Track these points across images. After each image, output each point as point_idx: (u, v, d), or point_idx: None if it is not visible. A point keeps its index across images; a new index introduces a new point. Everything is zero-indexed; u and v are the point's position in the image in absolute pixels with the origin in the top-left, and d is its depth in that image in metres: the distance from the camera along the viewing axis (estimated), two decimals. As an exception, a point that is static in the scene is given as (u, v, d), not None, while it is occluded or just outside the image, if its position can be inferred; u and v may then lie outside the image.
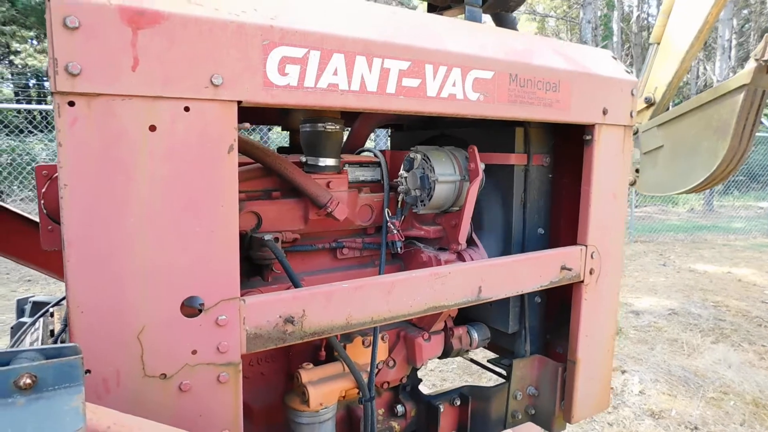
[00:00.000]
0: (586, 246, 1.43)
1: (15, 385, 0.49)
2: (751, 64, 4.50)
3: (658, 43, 5.22)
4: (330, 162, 1.26)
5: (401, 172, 1.35)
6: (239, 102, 0.84)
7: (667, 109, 5.44)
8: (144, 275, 0.81)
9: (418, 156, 1.30)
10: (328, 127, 1.23)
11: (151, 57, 0.76)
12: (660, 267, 7.98)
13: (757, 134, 5.36)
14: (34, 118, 10.22)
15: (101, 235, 0.77)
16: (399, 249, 1.35)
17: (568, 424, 1.57)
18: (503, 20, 1.53)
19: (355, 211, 1.33)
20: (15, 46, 16.24)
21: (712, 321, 5.45)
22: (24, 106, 12.18)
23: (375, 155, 1.42)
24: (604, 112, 1.38)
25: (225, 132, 0.84)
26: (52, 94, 0.72)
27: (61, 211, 0.75)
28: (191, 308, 0.86)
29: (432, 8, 1.55)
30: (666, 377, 4.16)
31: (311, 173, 1.25)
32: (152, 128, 0.78)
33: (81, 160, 0.74)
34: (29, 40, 16.48)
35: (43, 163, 1.22)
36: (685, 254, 8.98)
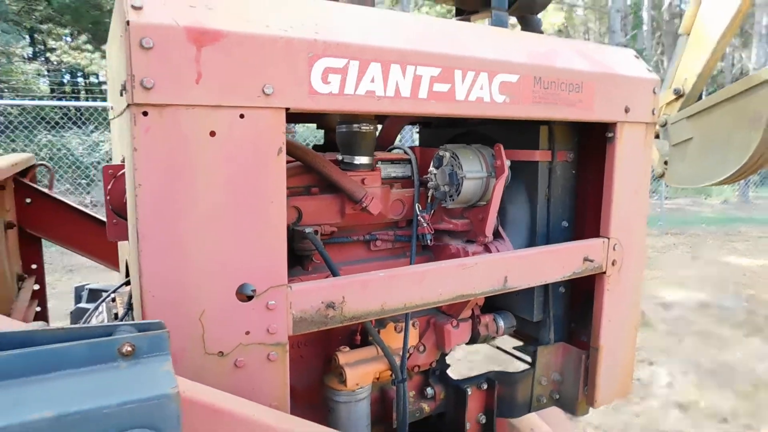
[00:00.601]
0: (609, 239, 1.49)
1: (118, 351, 0.60)
2: (785, 54, 4.37)
3: (688, 34, 5.12)
4: (364, 160, 1.36)
5: (431, 168, 1.43)
6: (287, 109, 0.94)
7: (699, 99, 5.35)
8: (204, 264, 0.92)
9: (447, 154, 1.38)
10: (362, 127, 1.32)
11: (211, 71, 0.86)
12: (691, 260, 7.85)
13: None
14: (70, 112, 10.65)
15: (169, 229, 0.88)
16: (429, 241, 1.43)
17: (591, 408, 1.64)
18: (528, 22, 1.59)
19: (388, 205, 1.42)
20: (51, 43, 16.82)
21: (745, 314, 5.38)
22: (64, 103, 12.68)
23: (406, 152, 1.51)
24: (626, 111, 1.43)
25: (275, 136, 0.94)
26: (128, 105, 0.83)
27: (135, 207, 0.86)
28: (244, 294, 0.97)
29: (460, 12, 1.62)
30: (695, 370, 4.15)
31: (347, 170, 1.34)
32: (212, 134, 0.88)
33: (153, 163, 0.85)
34: (64, 38, 17.03)
35: (108, 164, 1.34)
36: (718, 247, 8.80)
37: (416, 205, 1.44)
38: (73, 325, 0.61)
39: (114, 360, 0.60)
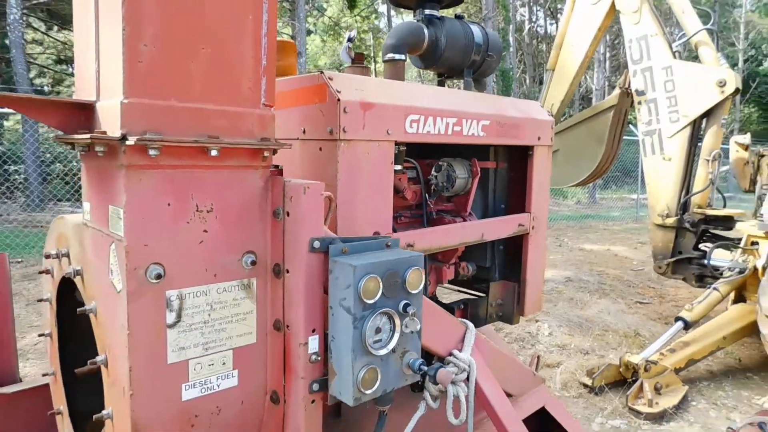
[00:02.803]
0: (530, 213, 2.55)
1: (385, 245, 1.47)
2: (616, 91, 6.05)
3: (553, 70, 6.61)
4: (398, 167, 2.26)
5: (433, 172, 2.37)
6: (395, 141, 1.83)
7: (561, 120, 6.94)
8: (361, 223, 1.77)
9: (445, 163, 2.33)
10: (400, 148, 2.23)
11: (368, 122, 1.72)
12: (557, 247, 9.65)
13: (627, 138, 7.04)
14: None
15: (352, 206, 1.72)
16: (433, 215, 2.37)
17: (521, 317, 2.69)
18: (481, 82, 2.61)
19: (411, 194, 2.34)
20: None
21: (597, 284, 7.04)
22: None
23: (413, 163, 2.43)
24: (539, 138, 2.50)
25: (390, 154, 1.82)
26: (335, 140, 1.66)
27: (336, 189, 1.69)
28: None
29: (440, 75, 2.59)
30: (567, 323, 5.55)
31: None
32: (368, 153, 1.74)
33: (345, 166, 1.69)
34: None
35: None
36: (576, 237, 10.81)
37: (424, 194, 2.37)
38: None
39: (382, 248, 1.47)
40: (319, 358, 1.41)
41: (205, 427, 1.39)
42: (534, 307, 2.70)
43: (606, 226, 12.73)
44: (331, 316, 1.36)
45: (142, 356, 1.24)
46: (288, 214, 1.38)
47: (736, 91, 4.94)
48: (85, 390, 1.90)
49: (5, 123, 17.78)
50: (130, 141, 1.12)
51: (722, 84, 4.91)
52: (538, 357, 2.94)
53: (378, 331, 1.35)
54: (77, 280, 1.53)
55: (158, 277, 1.23)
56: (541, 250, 2.68)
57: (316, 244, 1.36)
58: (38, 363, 4.44)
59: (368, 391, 1.33)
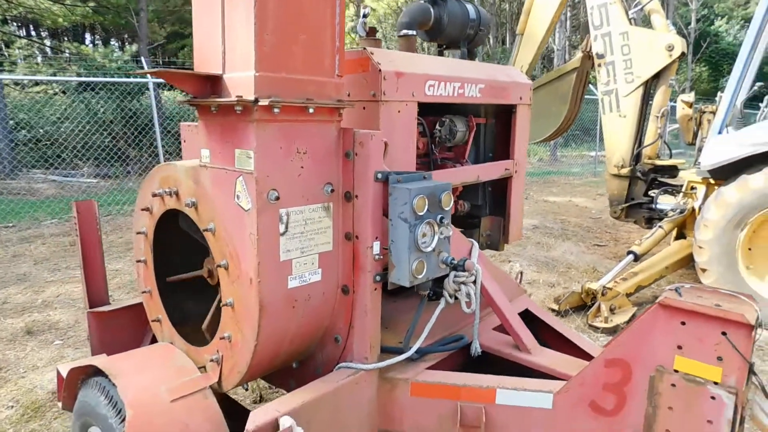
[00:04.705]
0: (514, 159, 3.14)
1: (422, 177, 2.03)
2: (579, 54, 6.66)
3: (522, 34, 7.14)
4: (412, 123, 2.79)
5: (437, 126, 2.91)
6: (417, 101, 2.36)
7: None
8: (394, 163, 2.31)
9: (447, 119, 2.88)
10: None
11: (400, 87, 2.24)
12: (525, 200, 10.42)
13: (586, 97, 7.77)
14: None
15: (388, 151, 2.25)
16: (438, 162, 2.93)
17: (506, 245, 3.33)
18: (472, 51, 3.14)
19: (421, 144, 2.89)
20: None
21: (560, 230, 7.83)
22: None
23: (420, 120, 2.97)
24: (520, 98, 3.07)
25: (414, 112, 2.35)
26: (377, 101, 2.18)
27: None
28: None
29: (440, 47, 3.10)
30: (535, 263, 6.30)
31: (405, 128, 2.77)
32: (399, 112, 2.27)
33: (385, 124, 2.21)
34: None
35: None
36: (540, 191, 11.63)
37: (431, 144, 2.93)
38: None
39: (423, 179, 2.03)
40: (381, 257, 1.98)
41: (300, 309, 1.95)
42: (515, 236, 3.34)
43: (567, 181, 13.65)
44: (391, 226, 1.92)
45: (266, 255, 1.78)
46: (357, 155, 1.92)
47: (682, 54, 5.62)
48: (177, 301, 2.43)
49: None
50: (264, 102, 1.63)
51: (670, 48, 5.58)
52: (521, 273, 3.60)
53: (424, 235, 1.92)
54: (190, 210, 2.03)
55: (276, 198, 1.76)
56: (521, 190, 3.31)
57: (379, 175, 1.91)
58: (65, 310, 4.87)
59: (419, 276, 1.92)
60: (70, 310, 4.89)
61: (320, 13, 1.79)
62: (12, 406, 3.34)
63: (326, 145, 1.90)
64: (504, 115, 3.15)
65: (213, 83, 1.79)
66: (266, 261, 1.78)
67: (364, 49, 2.20)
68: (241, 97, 1.65)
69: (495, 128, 3.20)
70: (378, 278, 1.99)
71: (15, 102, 14.44)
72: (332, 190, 1.94)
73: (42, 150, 13.19)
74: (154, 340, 2.64)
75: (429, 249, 1.94)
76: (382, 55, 2.22)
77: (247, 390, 3.23)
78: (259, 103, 1.63)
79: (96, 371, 2.07)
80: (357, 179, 1.94)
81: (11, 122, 14.20)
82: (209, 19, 1.77)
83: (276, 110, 1.67)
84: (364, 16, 2.78)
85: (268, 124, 1.70)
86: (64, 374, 2.18)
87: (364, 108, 2.23)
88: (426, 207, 1.90)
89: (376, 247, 1.97)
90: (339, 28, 1.87)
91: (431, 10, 2.79)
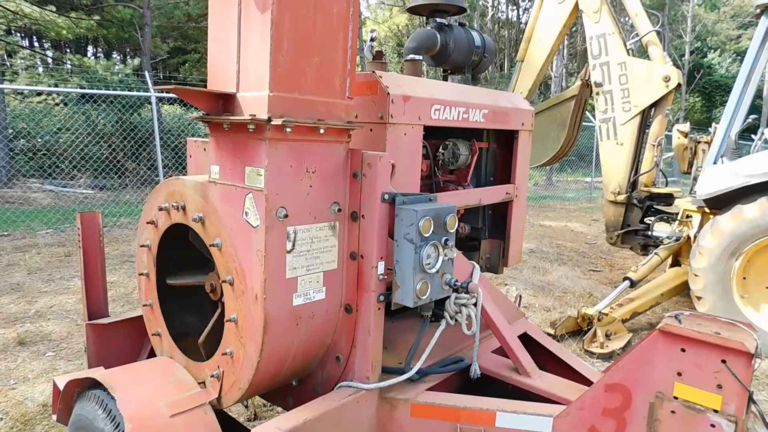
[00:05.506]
0: (515, 184, 3.19)
1: (428, 199, 2.06)
2: (578, 82, 6.79)
3: (522, 61, 7.27)
4: (416, 145, 2.84)
5: (440, 150, 2.96)
6: (423, 125, 2.40)
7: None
8: (399, 185, 2.34)
9: (451, 143, 2.92)
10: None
11: (407, 110, 2.29)
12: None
13: (583, 124, 7.87)
14: None
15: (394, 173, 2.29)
16: (440, 184, 2.97)
17: (504, 268, 3.35)
18: (476, 77, 3.20)
19: (424, 166, 2.93)
20: None
21: (556, 255, 7.87)
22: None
23: (424, 143, 3.01)
24: (522, 124, 3.13)
25: (419, 135, 2.39)
26: (384, 123, 2.22)
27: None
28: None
29: (445, 72, 3.17)
30: (531, 286, 6.31)
31: (409, 150, 2.81)
32: (405, 134, 2.31)
33: (391, 141, 2.25)
34: None
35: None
36: (536, 215, 11.70)
37: (434, 167, 2.97)
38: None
39: (428, 201, 2.06)
40: (385, 277, 2.00)
41: (304, 327, 1.96)
42: (515, 259, 3.37)
43: (562, 206, 13.75)
44: (396, 247, 1.94)
45: (272, 272, 1.79)
46: (365, 176, 1.95)
47: (678, 85, 5.74)
48: (177, 315, 2.43)
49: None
50: (277, 121, 1.66)
51: (667, 79, 5.70)
52: (520, 296, 3.62)
53: (429, 256, 1.94)
54: (197, 225, 2.05)
55: (285, 216, 1.78)
56: (522, 214, 3.34)
57: (386, 196, 1.94)
58: (58, 321, 4.83)
59: (423, 297, 1.93)
60: (63, 321, 4.85)
61: (333, 35, 1.84)
62: (1, 419, 3.29)
63: (335, 165, 1.93)
64: (506, 139, 3.20)
65: (226, 101, 1.82)
66: (272, 278, 1.80)
67: (373, 72, 2.25)
68: (255, 115, 1.69)
69: (497, 153, 3.25)
70: (381, 298, 2.01)
71: (15, 111, 14.47)
72: (339, 210, 1.97)
73: (40, 159, 13.20)
74: (151, 354, 2.63)
75: (433, 270, 1.96)
76: (391, 79, 2.27)
77: (247, 407, 3.21)
78: (272, 123, 1.67)
79: (94, 384, 2.06)
80: (364, 199, 1.97)
81: (10, 131, 14.23)
82: (224, 38, 1.82)
83: (288, 130, 1.70)
84: (372, 39, 2.84)
85: (279, 143, 1.73)
86: (61, 386, 2.16)
87: (371, 130, 2.27)
88: (431, 228, 1.92)
89: (381, 267, 1.99)
90: (351, 51, 1.92)
91: (438, 36, 2.86)
